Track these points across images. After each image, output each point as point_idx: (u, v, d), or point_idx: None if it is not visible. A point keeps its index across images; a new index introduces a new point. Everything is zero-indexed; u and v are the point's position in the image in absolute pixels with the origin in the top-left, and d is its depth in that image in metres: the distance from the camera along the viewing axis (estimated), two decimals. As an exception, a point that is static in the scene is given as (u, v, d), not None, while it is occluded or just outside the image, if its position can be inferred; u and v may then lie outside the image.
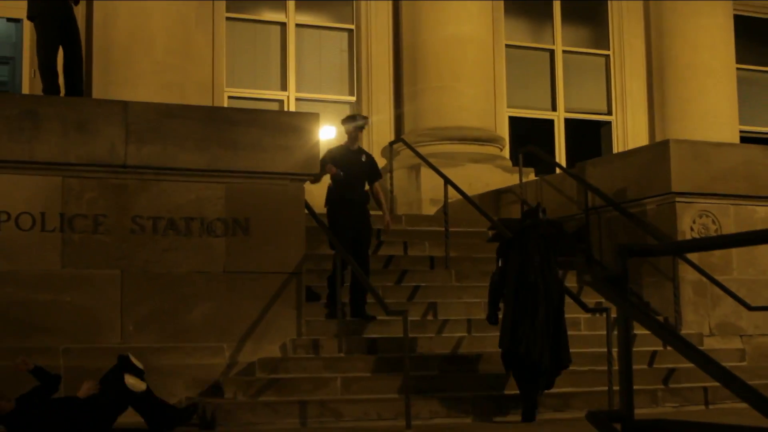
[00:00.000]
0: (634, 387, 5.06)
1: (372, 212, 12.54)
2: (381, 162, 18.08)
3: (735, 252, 13.27)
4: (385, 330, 11.63)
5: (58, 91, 12.12)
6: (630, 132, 20.42)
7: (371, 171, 12.61)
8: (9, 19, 17.73)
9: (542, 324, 10.37)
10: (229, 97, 17.84)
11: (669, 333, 5.20)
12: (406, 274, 13.07)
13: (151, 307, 10.82)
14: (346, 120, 12.78)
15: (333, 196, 12.27)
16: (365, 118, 12.99)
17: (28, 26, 16.74)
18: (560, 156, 19.70)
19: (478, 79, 17.99)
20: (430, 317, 12.43)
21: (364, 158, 12.55)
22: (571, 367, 11.28)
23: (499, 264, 10.74)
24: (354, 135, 12.54)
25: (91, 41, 16.11)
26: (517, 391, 10.76)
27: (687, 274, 13.07)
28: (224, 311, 11.05)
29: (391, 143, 17.47)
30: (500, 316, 10.70)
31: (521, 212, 11.24)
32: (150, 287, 10.83)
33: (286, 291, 11.27)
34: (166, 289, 10.89)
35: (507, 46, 19.84)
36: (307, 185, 11.77)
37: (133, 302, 10.76)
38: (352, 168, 12.29)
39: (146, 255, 10.83)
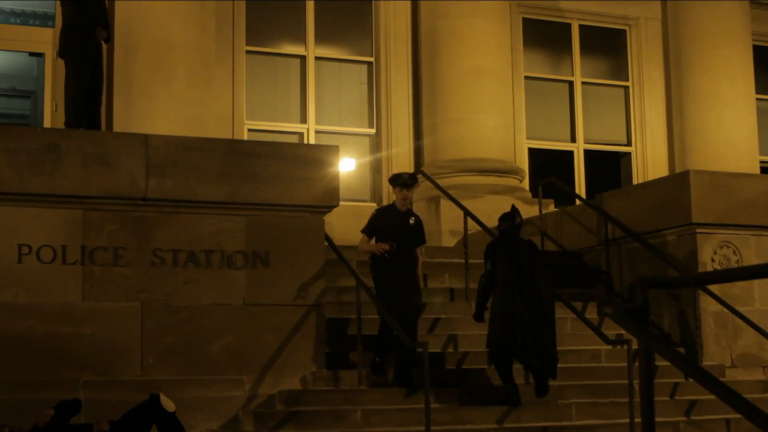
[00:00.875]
0: (656, 419, 5.03)
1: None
2: (400, 194, 18.11)
3: (756, 283, 13.21)
4: (405, 362, 11.62)
5: (84, 126, 12.25)
6: (650, 163, 20.40)
7: (417, 235, 11.87)
8: (31, 54, 17.88)
9: (527, 317, 10.99)
10: (249, 130, 17.90)
11: (690, 365, 5.17)
12: (426, 306, 13.04)
13: (171, 339, 10.83)
14: (391, 180, 12.11)
15: (379, 262, 11.60)
16: (412, 176, 12.10)
17: (50, 60, 16.89)
18: (580, 187, 19.68)
19: (497, 111, 18.00)
20: (450, 349, 12.40)
21: (412, 221, 11.84)
22: (592, 399, 11.27)
23: (488, 267, 11.39)
24: (401, 196, 11.75)
25: (112, 75, 16.20)
26: (543, 423, 10.77)
27: (708, 305, 13.01)
28: (244, 343, 11.05)
29: (411, 175, 17.49)
30: (487, 316, 11.37)
31: (499, 222, 11.85)
32: (170, 320, 10.85)
33: (306, 323, 11.27)
34: (187, 321, 10.91)
35: (526, 77, 19.88)
36: (327, 217, 11.77)
37: (154, 335, 10.78)
38: (399, 232, 11.62)
39: (166, 287, 10.85)
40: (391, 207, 12.04)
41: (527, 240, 11.91)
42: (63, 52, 12.67)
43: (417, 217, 12.02)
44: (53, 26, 16.97)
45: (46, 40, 17.01)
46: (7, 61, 18.02)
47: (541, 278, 11.17)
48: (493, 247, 11.47)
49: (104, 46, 13.17)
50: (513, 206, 12.08)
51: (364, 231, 11.85)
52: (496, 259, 11.27)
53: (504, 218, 11.77)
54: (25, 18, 19.81)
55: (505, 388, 11.16)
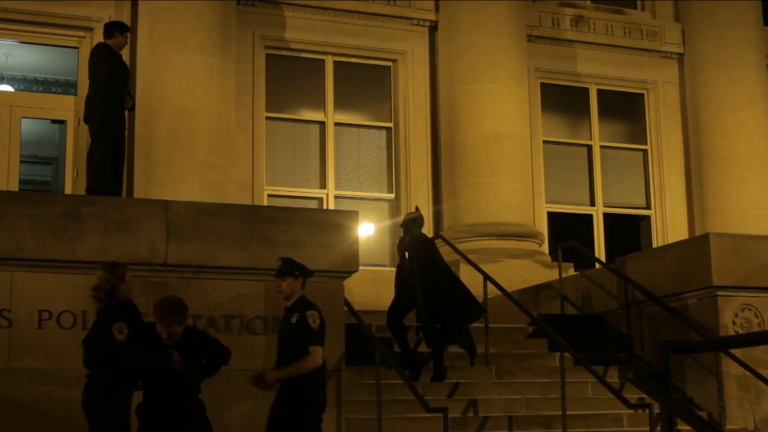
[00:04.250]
0: (678, 484, 5.00)
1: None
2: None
3: (779, 346, 13.12)
4: (425, 428, 11.54)
5: (105, 191, 12.30)
6: (669, 226, 20.38)
7: (296, 340, 9.45)
8: (53, 121, 18.06)
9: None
10: (269, 195, 17.98)
11: (712, 429, 5.14)
12: (446, 371, 12.99)
13: (190, 405, 10.77)
14: None
15: None
16: (282, 261, 9.76)
17: (71, 127, 17.04)
18: (599, 251, 19.66)
19: (516, 175, 18.05)
20: (470, 414, 12.32)
21: (294, 319, 9.47)
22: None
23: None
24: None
25: (133, 141, 16.32)
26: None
27: (730, 368, 12.91)
28: (264, 409, 10.96)
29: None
30: None
31: (560, 307, 11.92)
32: (190, 385, 10.80)
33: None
34: (206, 387, 10.84)
35: (544, 141, 19.95)
36: (346, 282, 11.76)
37: (173, 400, 10.73)
38: (280, 335, 9.63)
39: (186, 353, 10.81)
40: None
41: (425, 236, 13.57)
42: (89, 116, 12.64)
43: (303, 314, 9.38)
44: (75, 94, 17.15)
45: (68, 107, 17.19)
46: (29, 128, 18.19)
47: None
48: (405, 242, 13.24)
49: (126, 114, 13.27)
50: (416, 207, 14.32)
51: None
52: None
53: (404, 222, 13.48)
54: (48, 86, 20.07)
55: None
